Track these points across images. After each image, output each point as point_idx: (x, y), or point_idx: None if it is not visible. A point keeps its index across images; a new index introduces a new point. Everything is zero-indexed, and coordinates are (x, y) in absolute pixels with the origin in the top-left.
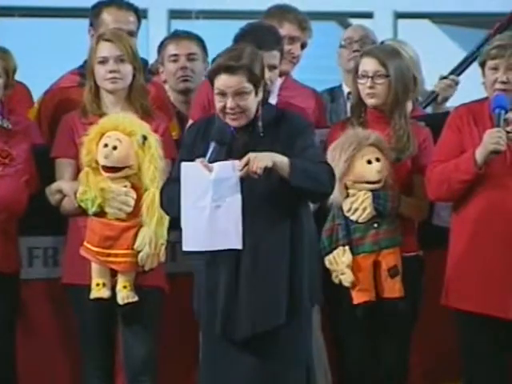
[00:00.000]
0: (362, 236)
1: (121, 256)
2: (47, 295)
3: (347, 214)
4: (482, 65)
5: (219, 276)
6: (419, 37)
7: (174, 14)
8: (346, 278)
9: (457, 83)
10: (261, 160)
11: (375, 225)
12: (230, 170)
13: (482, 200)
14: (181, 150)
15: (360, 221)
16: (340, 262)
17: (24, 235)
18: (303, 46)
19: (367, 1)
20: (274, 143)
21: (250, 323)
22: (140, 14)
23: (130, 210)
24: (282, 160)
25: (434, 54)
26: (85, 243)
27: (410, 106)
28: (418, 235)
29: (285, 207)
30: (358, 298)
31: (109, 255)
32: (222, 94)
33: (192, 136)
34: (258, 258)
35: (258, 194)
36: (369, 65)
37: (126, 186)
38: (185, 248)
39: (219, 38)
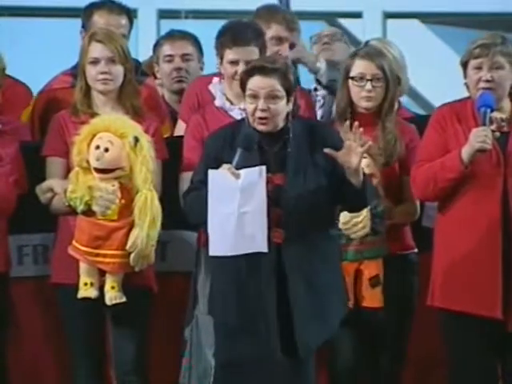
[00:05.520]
0: (345, 244)
1: (109, 256)
2: (37, 293)
3: (343, 227)
4: (465, 65)
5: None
6: (408, 37)
7: (164, 14)
8: None
9: None
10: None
11: None
12: (256, 175)
13: (467, 199)
14: (204, 159)
15: (352, 237)
16: None
17: (13, 233)
18: (291, 47)
19: (356, 1)
20: (303, 156)
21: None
22: (132, 15)
23: (114, 207)
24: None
25: (423, 54)
26: (73, 242)
27: (395, 106)
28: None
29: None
30: None
31: (97, 255)
32: (254, 96)
33: (218, 146)
34: (307, 278)
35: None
36: (365, 67)
37: (113, 186)
38: (212, 253)
39: (208, 37)
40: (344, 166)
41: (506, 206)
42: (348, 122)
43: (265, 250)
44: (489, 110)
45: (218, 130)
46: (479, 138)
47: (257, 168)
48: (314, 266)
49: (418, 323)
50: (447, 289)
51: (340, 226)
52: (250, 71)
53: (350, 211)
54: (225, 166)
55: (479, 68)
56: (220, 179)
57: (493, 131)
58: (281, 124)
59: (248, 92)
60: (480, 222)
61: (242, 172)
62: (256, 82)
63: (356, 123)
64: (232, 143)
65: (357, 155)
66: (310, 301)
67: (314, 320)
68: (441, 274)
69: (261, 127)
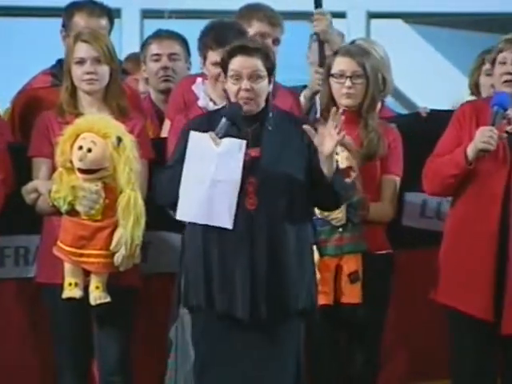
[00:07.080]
0: (326, 239)
1: (93, 256)
2: (18, 295)
3: (320, 216)
4: (493, 63)
5: (233, 262)
6: (392, 37)
7: (147, 14)
8: None
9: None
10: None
11: (340, 229)
12: (236, 148)
13: (470, 195)
14: (179, 143)
15: (330, 218)
16: None
17: None
18: (275, 43)
19: (340, 0)
20: (280, 135)
21: (275, 306)
22: (112, 16)
23: (97, 207)
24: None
25: (406, 54)
26: (58, 242)
27: (378, 106)
28: (388, 234)
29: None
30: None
31: (81, 255)
32: (237, 76)
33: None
34: (275, 245)
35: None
36: (346, 64)
37: (97, 186)
38: (178, 217)
39: (192, 37)
40: (318, 151)
41: (506, 203)
42: (335, 109)
43: (229, 226)
44: (502, 110)
45: (196, 117)
46: (484, 138)
47: (238, 140)
48: (281, 236)
49: (413, 319)
50: (448, 286)
51: (318, 215)
52: (232, 51)
53: (326, 210)
54: (208, 133)
55: (504, 63)
56: (200, 142)
57: (507, 132)
58: (262, 104)
59: (231, 73)
60: (480, 218)
61: (224, 140)
62: (239, 62)
63: (340, 110)
64: (207, 131)
65: (332, 140)
66: (269, 269)
67: (271, 289)
68: (444, 270)
69: (244, 107)
